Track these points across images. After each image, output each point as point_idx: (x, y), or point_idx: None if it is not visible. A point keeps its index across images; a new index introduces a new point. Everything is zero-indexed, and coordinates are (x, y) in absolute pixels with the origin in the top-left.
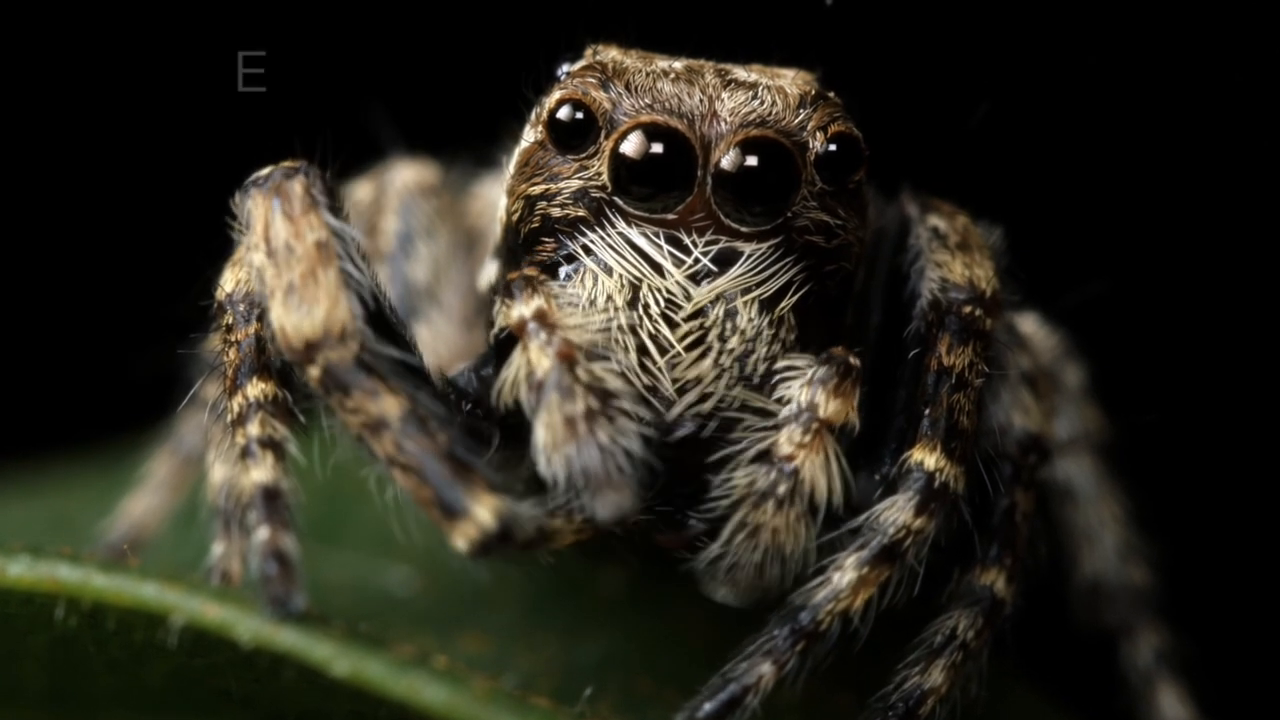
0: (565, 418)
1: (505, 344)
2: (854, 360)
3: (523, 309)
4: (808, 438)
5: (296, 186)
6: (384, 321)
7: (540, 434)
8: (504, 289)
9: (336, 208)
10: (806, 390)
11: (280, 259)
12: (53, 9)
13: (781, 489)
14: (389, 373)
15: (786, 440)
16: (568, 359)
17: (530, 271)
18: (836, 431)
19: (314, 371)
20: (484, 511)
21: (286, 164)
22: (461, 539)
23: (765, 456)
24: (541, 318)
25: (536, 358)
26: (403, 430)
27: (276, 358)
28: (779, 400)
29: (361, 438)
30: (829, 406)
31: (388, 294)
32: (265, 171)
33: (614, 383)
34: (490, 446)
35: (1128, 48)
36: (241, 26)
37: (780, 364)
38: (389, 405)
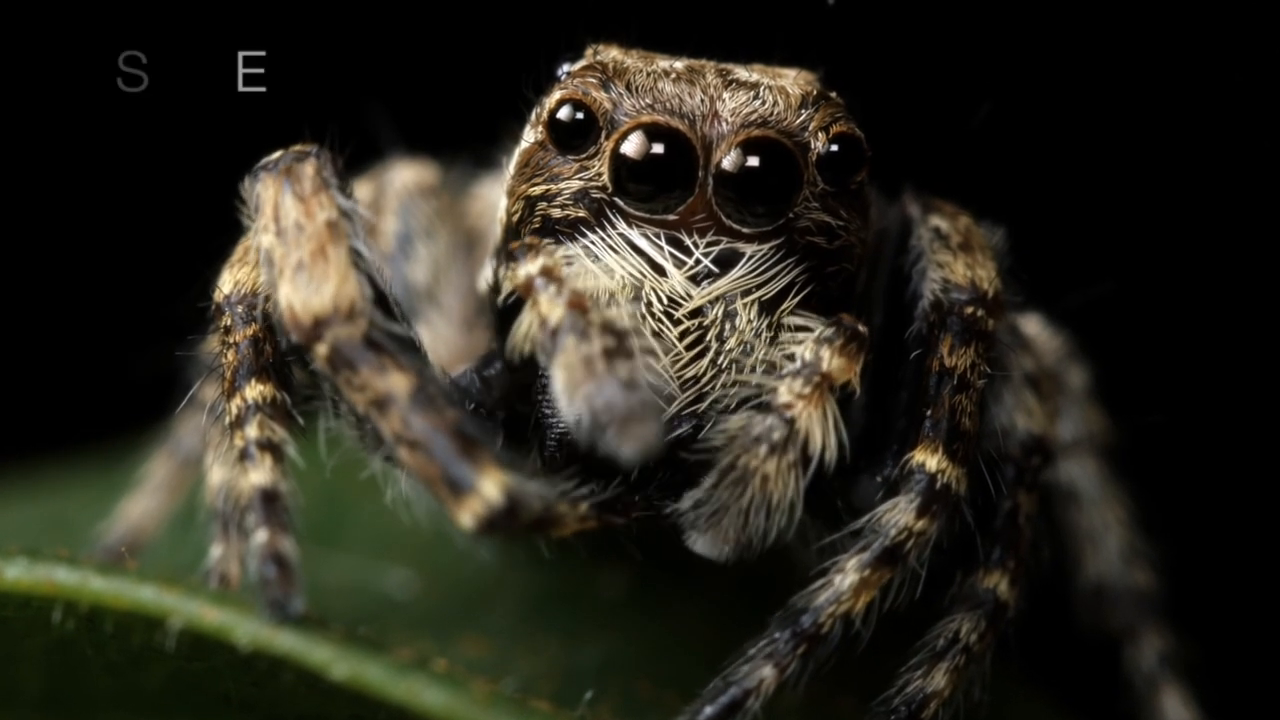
0: (583, 358)
1: (512, 309)
2: (862, 327)
3: (528, 267)
4: (808, 389)
5: (308, 168)
6: (388, 308)
7: (559, 377)
8: (506, 256)
9: (346, 189)
10: (812, 346)
11: (290, 237)
12: (49, 9)
13: (777, 434)
14: (397, 350)
15: (786, 390)
16: (579, 306)
17: (531, 240)
18: (837, 390)
19: (321, 349)
20: (491, 486)
21: (298, 148)
22: (468, 515)
23: (763, 407)
24: (548, 273)
25: (548, 308)
26: (410, 407)
27: (283, 338)
28: (787, 357)
29: (368, 416)
30: (833, 362)
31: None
32: (276, 155)
33: (628, 322)
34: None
35: (1131, 47)
36: (241, 27)
37: (793, 320)
38: (397, 382)
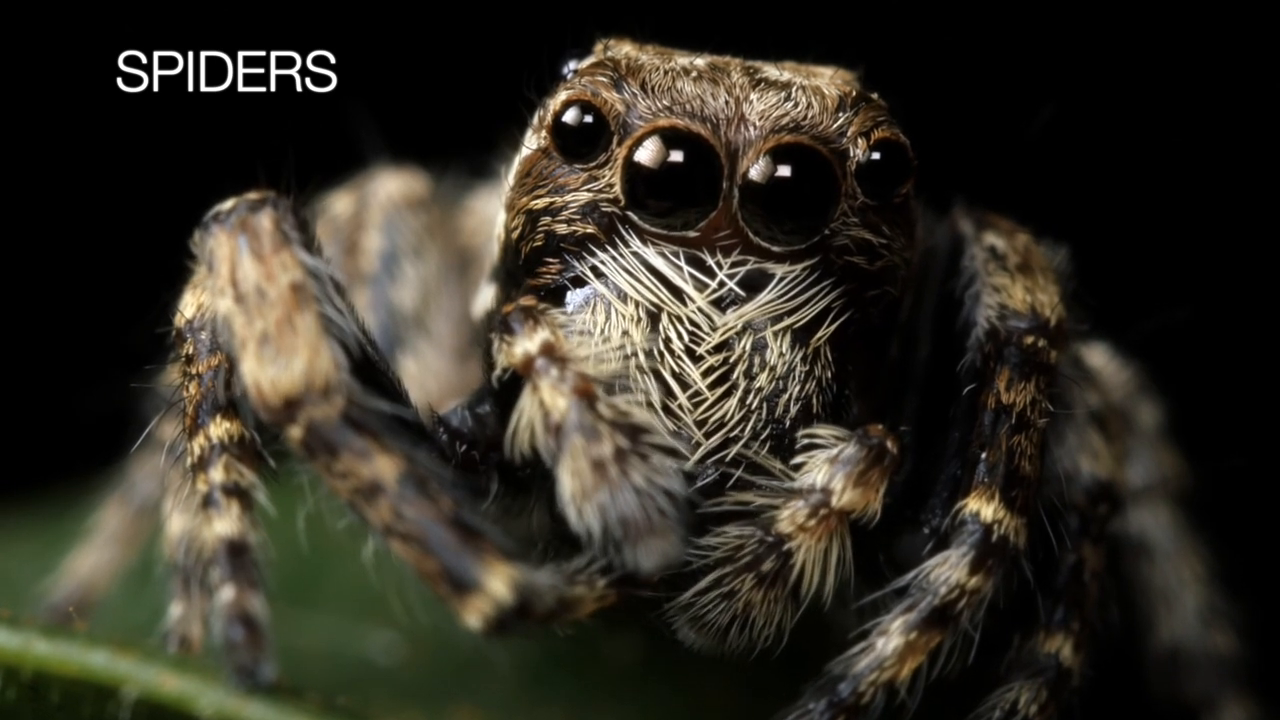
0: (593, 461)
1: (510, 386)
2: (890, 444)
3: (527, 344)
4: (812, 522)
5: (265, 221)
6: (371, 371)
7: (567, 483)
8: (500, 325)
9: (309, 241)
10: (827, 469)
11: (251, 305)
12: (39, 10)
13: (767, 566)
14: (381, 429)
15: (789, 519)
16: (586, 395)
17: (527, 301)
18: (849, 519)
19: (296, 432)
20: (498, 583)
21: (251, 195)
22: (474, 616)
23: (765, 521)
24: (549, 351)
25: (551, 398)
26: (400, 494)
27: (250, 417)
28: (799, 466)
29: (354, 505)
30: (845, 495)
31: (370, 329)
32: (228, 205)
33: (641, 416)
34: (489, 495)
35: (1213, 45)
36: (239, 27)
37: (804, 432)
38: (383, 466)
